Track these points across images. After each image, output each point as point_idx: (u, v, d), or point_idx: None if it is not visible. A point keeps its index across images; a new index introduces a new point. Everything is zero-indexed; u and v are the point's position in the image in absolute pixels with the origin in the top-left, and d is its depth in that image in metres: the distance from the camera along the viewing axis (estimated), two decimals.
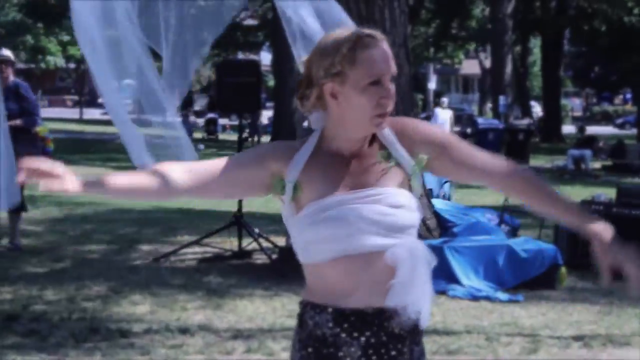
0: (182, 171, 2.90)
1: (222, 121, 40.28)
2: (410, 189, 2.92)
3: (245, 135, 33.04)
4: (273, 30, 33.99)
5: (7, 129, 7.91)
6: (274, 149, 2.96)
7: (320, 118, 2.93)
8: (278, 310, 8.22)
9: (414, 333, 2.92)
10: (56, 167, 2.77)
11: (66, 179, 2.77)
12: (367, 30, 2.86)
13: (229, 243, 10.86)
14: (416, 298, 2.83)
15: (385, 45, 2.85)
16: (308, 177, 2.86)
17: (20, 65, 73.75)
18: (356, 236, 2.81)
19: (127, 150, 6.54)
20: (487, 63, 50.68)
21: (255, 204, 15.85)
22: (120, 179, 2.89)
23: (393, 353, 2.87)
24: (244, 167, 2.92)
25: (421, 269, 2.83)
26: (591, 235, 2.87)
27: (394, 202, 2.84)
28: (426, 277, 2.85)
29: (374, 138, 2.93)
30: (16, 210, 10.22)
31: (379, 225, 2.81)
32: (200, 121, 53.20)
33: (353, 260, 2.82)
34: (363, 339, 2.85)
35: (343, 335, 2.85)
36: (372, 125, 2.84)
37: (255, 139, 32.44)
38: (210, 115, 36.36)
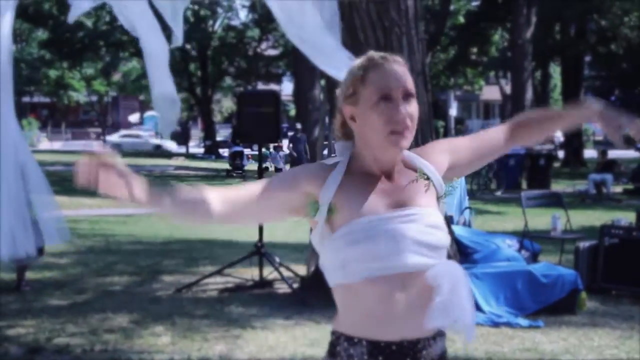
0: (219, 199, 2.84)
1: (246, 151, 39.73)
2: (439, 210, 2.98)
3: (266, 165, 33.05)
4: (294, 60, 34.11)
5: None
6: (307, 171, 2.94)
7: (344, 147, 2.98)
8: (299, 339, 8.23)
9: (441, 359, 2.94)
10: (120, 164, 2.68)
11: (132, 183, 2.69)
12: (380, 53, 2.95)
13: (250, 273, 10.90)
14: (459, 316, 2.78)
15: (397, 65, 2.91)
16: (343, 197, 2.85)
17: (44, 99, 74.47)
18: (396, 255, 2.80)
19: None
20: (508, 89, 50.65)
21: (276, 233, 15.90)
22: (181, 194, 2.82)
23: None
24: (277, 191, 2.90)
25: (461, 287, 2.80)
26: (590, 116, 3.14)
27: (431, 222, 2.87)
28: (467, 295, 2.82)
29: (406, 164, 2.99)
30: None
31: (419, 244, 2.82)
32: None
33: (389, 281, 2.80)
34: None
35: None
36: (388, 143, 2.85)
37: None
38: (236, 148, 35.00)
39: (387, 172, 2.93)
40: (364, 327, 2.85)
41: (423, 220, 2.85)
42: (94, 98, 72.88)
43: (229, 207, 2.86)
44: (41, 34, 59.61)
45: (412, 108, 2.89)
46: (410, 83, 2.90)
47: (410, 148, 2.97)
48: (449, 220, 11.23)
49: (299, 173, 2.94)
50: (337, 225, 2.84)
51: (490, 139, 3.19)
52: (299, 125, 31.64)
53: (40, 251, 10.51)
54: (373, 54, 2.95)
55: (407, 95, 2.88)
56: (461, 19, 48.46)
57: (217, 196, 2.85)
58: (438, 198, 2.98)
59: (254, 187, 2.90)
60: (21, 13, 43.38)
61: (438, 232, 2.88)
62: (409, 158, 2.99)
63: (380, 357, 2.83)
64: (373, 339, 2.83)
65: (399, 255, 2.80)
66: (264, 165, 16.17)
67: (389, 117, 2.83)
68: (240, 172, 35.06)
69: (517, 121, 3.23)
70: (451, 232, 10.53)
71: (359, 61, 2.95)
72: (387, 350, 2.83)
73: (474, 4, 50.43)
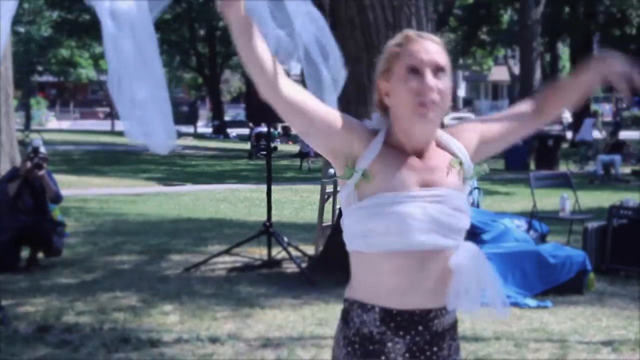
0: (292, 85, 2.90)
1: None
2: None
3: (274, 145, 32.94)
4: None
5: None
6: (361, 128, 2.95)
7: (380, 121, 2.98)
8: (307, 318, 8.25)
9: (452, 329, 3.04)
10: None
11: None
12: (417, 31, 2.98)
13: (258, 252, 10.90)
14: (489, 300, 2.94)
15: (431, 42, 2.93)
16: (377, 167, 2.88)
17: (52, 79, 74.43)
18: (418, 233, 2.85)
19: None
20: (516, 69, 50.55)
21: (284, 213, 15.94)
22: (268, 53, 2.87)
23: (435, 349, 2.98)
24: (334, 121, 2.91)
25: (485, 271, 2.92)
26: (601, 69, 3.10)
27: (456, 205, 2.92)
28: (492, 275, 2.94)
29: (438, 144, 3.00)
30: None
31: (441, 226, 2.87)
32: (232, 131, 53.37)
33: (407, 256, 2.86)
34: (409, 337, 2.93)
35: (389, 333, 2.91)
36: (415, 115, 2.85)
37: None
38: (259, 128, 34.05)
39: (419, 151, 2.94)
40: (377, 295, 2.92)
41: (448, 202, 2.90)
42: (103, 78, 72.85)
43: (296, 96, 2.89)
44: (49, 14, 59.53)
45: (442, 84, 2.88)
46: (442, 59, 2.91)
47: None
48: None
49: (356, 126, 2.95)
50: (364, 193, 2.89)
51: (518, 114, 3.17)
52: None
53: (59, 252, 10.69)
54: (409, 31, 2.98)
55: (437, 70, 2.88)
56: None
57: (291, 83, 2.91)
58: (464, 179, 3.00)
59: (320, 103, 2.96)
60: None
61: (461, 215, 2.93)
62: (442, 138, 3.01)
63: (392, 324, 2.91)
64: (385, 306, 2.91)
65: (419, 234, 2.85)
66: (272, 145, 16.15)
67: (417, 89, 2.84)
68: (265, 153, 34.44)
69: (540, 95, 3.20)
70: None
71: (395, 38, 2.97)
72: (398, 317, 2.91)
73: None
